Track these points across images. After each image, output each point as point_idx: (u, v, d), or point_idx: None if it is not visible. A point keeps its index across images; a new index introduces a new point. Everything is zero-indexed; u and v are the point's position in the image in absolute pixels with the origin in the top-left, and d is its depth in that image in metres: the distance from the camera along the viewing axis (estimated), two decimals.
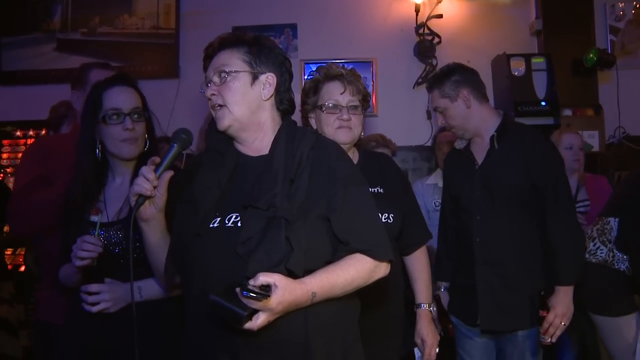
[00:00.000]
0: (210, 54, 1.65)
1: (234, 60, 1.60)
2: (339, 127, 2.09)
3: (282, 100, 1.67)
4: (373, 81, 3.86)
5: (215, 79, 1.60)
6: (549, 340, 2.27)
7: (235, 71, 1.59)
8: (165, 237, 1.63)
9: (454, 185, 2.51)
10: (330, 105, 2.11)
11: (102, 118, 1.88)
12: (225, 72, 1.59)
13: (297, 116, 1.85)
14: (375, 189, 2.11)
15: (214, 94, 1.60)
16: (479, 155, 2.45)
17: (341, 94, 2.11)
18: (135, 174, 1.88)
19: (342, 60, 3.73)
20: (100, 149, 1.93)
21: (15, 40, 4.08)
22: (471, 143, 2.51)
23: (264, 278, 1.35)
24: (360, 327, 1.68)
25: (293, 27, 3.99)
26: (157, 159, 1.57)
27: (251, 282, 1.34)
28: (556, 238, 2.30)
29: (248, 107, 1.60)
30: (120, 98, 1.90)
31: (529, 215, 2.35)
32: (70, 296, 1.94)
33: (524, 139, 2.38)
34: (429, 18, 3.81)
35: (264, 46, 1.65)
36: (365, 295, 1.66)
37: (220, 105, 1.59)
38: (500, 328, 2.35)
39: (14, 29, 4.08)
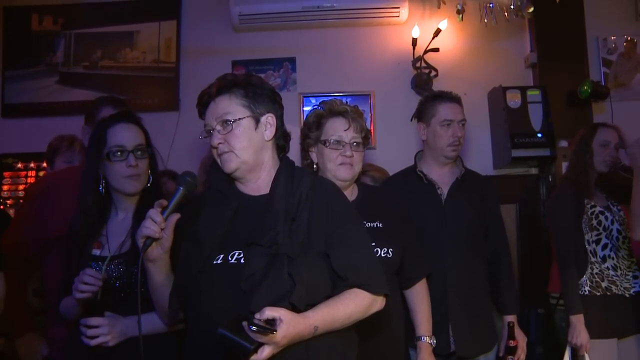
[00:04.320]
0: (206, 101, 1.69)
1: (234, 107, 1.65)
2: (341, 163, 2.12)
3: (280, 137, 1.73)
4: (371, 114, 3.89)
5: (219, 127, 1.64)
6: None
7: (239, 118, 1.63)
8: (170, 276, 1.66)
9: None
10: (334, 141, 2.14)
11: (106, 155, 1.92)
12: (229, 120, 1.63)
13: (293, 148, 1.89)
14: (375, 224, 2.13)
15: (221, 143, 1.64)
16: (444, 186, 2.56)
17: (345, 130, 2.14)
18: (139, 209, 1.92)
19: (341, 94, 3.79)
20: (103, 184, 1.96)
21: (18, 73, 4.11)
22: (432, 172, 2.59)
23: (270, 312, 1.39)
24: (360, 357, 1.71)
25: (292, 60, 4.03)
26: (164, 202, 1.61)
27: (257, 315, 1.38)
28: (506, 274, 2.60)
29: (254, 150, 1.66)
30: (124, 135, 1.94)
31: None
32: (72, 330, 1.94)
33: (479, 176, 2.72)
34: (425, 52, 3.86)
35: (257, 86, 1.70)
36: (366, 326, 1.70)
37: (227, 151, 1.64)
38: (472, 354, 2.45)
39: (18, 62, 4.12)
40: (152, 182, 2.01)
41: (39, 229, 2.33)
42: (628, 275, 2.76)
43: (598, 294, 2.71)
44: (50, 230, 2.29)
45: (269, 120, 1.69)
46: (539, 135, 3.59)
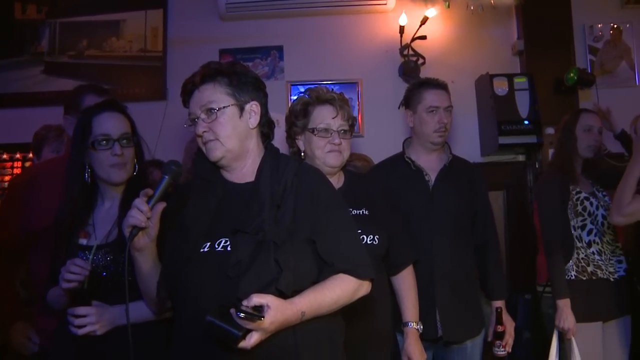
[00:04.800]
0: (190, 89, 1.69)
1: (219, 95, 1.65)
2: (330, 150, 2.13)
3: (264, 124, 1.73)
4: (359, 102, 3.89)
5: (204, 115, 1.65)
6: (506, 351, 2.51)
7: (224, 107, 1.64)
8: (157, 265, 1.67)
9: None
10: (322, 128, 2.14)
11: (91, 143, 1.91)
12: (214, 109, 1.63)
13: (280, 135, 1.89)
14: (361, 211, 2.15)
15: (205, 131, 1.64)
16: (432, 172, 2.57)
17: (333, 118, 2.15)
18: (125, 198, 1.92)
19: (328, 82, 3.79)
20: (89, 173, 1.95)
21: (3, 63, 4.07)
22: (420, 158, 2.60)
23: (257, 299, 1.40)
24: (347, 342, 1.73)
25: (279, 49, 4.02)
26: (149, 191, 1.61)
27: (245, 302, 1.39)
28: (494, 260, 2.62)
29: (238, 138, 1.66)
30: (110, 124, 1.93)
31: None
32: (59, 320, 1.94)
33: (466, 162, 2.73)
34: (413, 39, 3.87)
35: (242, 74, 1.70)
36: (352, 312, 1.71)
37: (212, 139, 1.64)
38: (459, 338, 2.47)
39: (2, 52, 4.08)
40: (138, 171, 2.00)
41: (25, 221, 2.31)
42: (612, 260, 2.80)
43: (584, 278, 2.75)
44: (36, 221, 2.27)
45: (253, 108, 1.69)
46: (526, 122, 3.60)
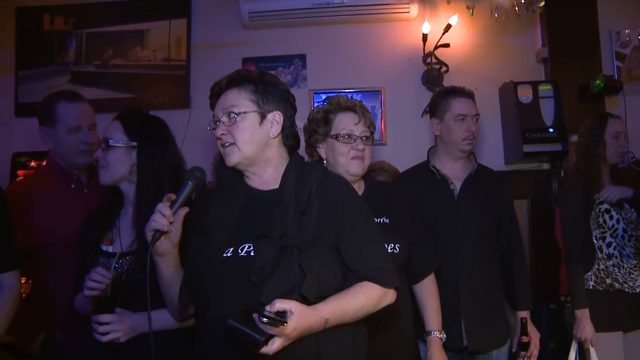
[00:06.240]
0: (217, 92, 1.71)
1: (242, 101, 1.66)
2: (353, 157, 2.13)
3: (288, 136, 1.73)
4: (382, 110, 3.88)
5: (224, 118, 1.66)
6: None
7: (244, 112, 1.65)
8: (179, 271, 1.68)
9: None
10: (346, 135, 2.14)
11: None
12: (234, 112, 1.65)
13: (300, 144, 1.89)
14: (381, 220, 2.14)
15: (224, 134, 1.65)
16: (457, 181, 2.56)
17: (356, 124, 2.16)
18: (135, 206, 1.94)
19: (351, 90, 3.80)
20: None
21: (30, 73, 4.15)
22: (445, 167, 2.59)
23: (280, 305, 1.40)
24: (370, 351, 1.71)
25: (302, 57, 4.03)
26: (172, 196, 1.62)
27: (267, 308, 1.39)
28: (519, 269, 2.59)
29: (257, 146, 1.66)
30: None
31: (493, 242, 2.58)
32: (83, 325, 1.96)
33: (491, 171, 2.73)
34: (436, 47, 3.85)
35: (269, 84, 1.71)
36: (375, 321, 1.70)
37: (230, 143, 1.64)
38: (484, 348, 2.44)
39: (30, 62, 4.16)
40: (138, 177, 1.97)
41: (23, 240, 2.19)
42: (633, 274, 2.73)
43: (601, 289, 2.70)
44: (33, 239, 2.26)
45: (275, 117, 1.69)
46: (551, 130, 3.55)
